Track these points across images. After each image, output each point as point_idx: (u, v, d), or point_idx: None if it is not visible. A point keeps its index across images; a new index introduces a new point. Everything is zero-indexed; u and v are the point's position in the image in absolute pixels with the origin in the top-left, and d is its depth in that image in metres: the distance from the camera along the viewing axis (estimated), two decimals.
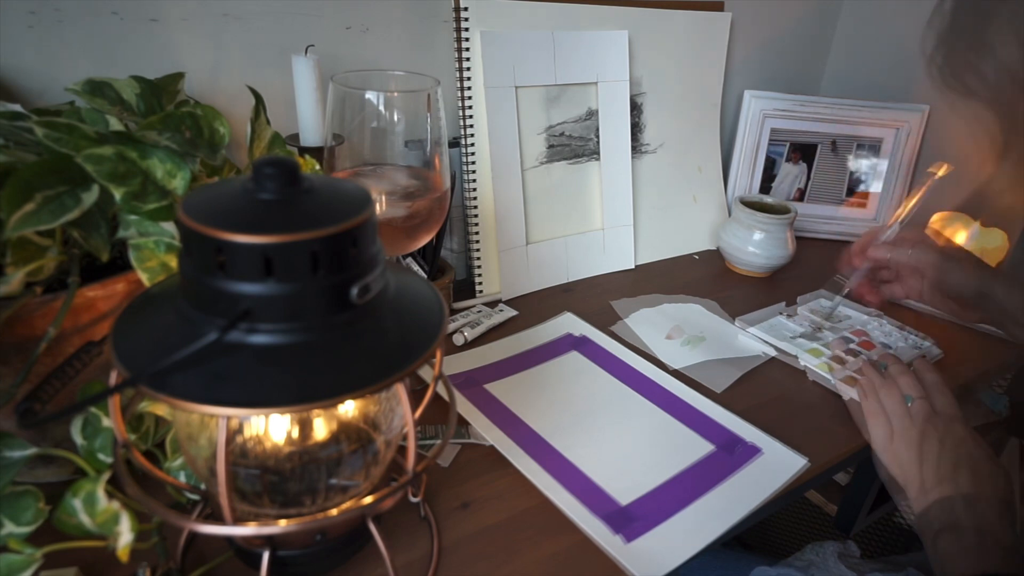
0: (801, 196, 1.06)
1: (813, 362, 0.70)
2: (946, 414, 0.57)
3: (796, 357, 0.72)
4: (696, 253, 0.99)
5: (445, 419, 0.58)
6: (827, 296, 0.84)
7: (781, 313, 0.80)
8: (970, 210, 0.93)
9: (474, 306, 0.78)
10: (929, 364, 0.64)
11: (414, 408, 0.35)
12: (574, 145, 0.86)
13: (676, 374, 0.68)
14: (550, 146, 0.83)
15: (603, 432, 0.59)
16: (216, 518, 0.40)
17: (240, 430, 0.38)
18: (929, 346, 0.75)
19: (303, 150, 0.65)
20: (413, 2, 0.75)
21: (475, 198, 0.78)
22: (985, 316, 0.70)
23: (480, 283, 0.80)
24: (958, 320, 0.80)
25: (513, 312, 0.77)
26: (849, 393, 0.65)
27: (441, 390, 0.56)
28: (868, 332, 0.77)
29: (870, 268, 0.74)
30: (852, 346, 0.73)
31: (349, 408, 0.39)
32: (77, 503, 0.36)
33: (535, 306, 0.80)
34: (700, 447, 0.58)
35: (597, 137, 0.87)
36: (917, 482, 0.54)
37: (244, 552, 0.40)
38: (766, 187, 1.06)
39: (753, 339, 0.75)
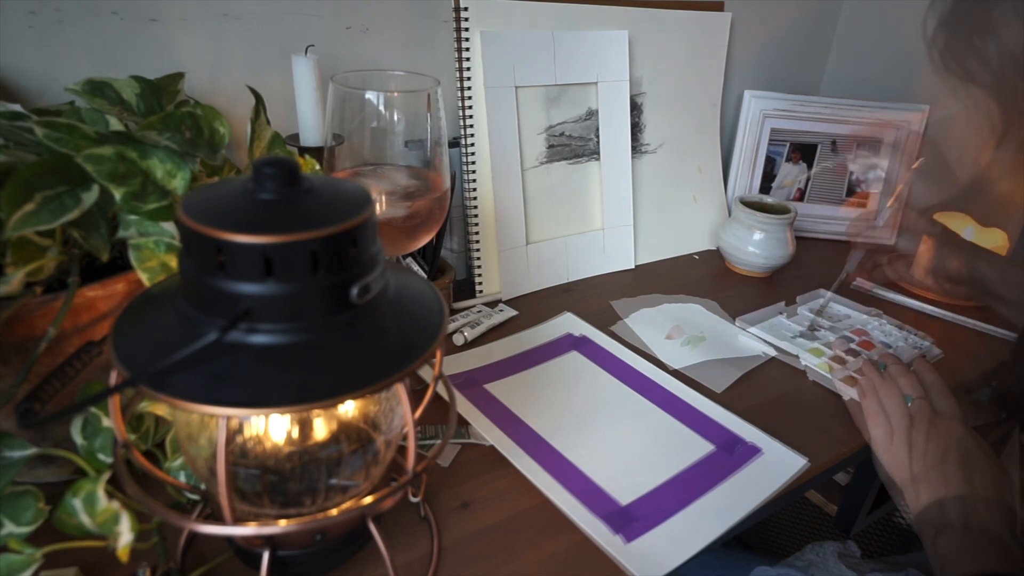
0: (801, 196, 1.06)
1: (813, 362, 0.70)
2: (945, 414, 0.57)
3: (797, 357, 0.72)
4: (696, 253, 0.99)
5: (445, 419, 0.58)
6: (824, 294, 0.85)
7: (781, 313, 0.80)
8: (967, 201, 0.93)
9: (474, 306, 0.78)
10: (929, 364, 0.64)
11: (414, 408, 0.35)
12: (574, 145, 0.86)
13: (676, 374, 0.68)
14: (550, 146, 0.83)
15: (603, 432, 0.59)
16: (216, 518, 0.40)
17: (240, 430, 0.38)
18: (929, 346, 0.75)
19: (303, 150, 0.65)
20: (413, 2, 0.75)
21: (475, 198, 0.78)
22: (974, 294, 0.72)
23: (480, 283, 0.80)
24: (950, 298, 0.81)
25: (513, 312, 0.77)
26: (849, 393, 0.65)
27: (441, 390, 0.56)
28: (868, 332, 0.77)
29: (865, 253, 0.75)
30: (852, 346, 0.73)
31: (349, 408, 0.39)
32: (77, 503, 0.36)
33: (535, 306, 0.80)
34: (700, 447, 0.58)
35: (597, 137, 0.87)
36: (911, 482, 0.54)
37: (244, 552, 0.40)
38: (766, 187, 1.06)
39: (753, 339, 0.75)
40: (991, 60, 0.41)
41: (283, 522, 0.33)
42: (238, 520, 0.32)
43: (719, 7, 0.97)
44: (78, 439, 0.40)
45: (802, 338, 0.74)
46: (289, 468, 0.37)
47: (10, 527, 0.36)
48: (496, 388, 0.64)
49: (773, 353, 0.73)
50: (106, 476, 0.36)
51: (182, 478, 0.43)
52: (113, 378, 0.32)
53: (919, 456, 0.54)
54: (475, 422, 0.58)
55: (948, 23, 0.44)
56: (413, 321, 0.34)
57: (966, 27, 0.43)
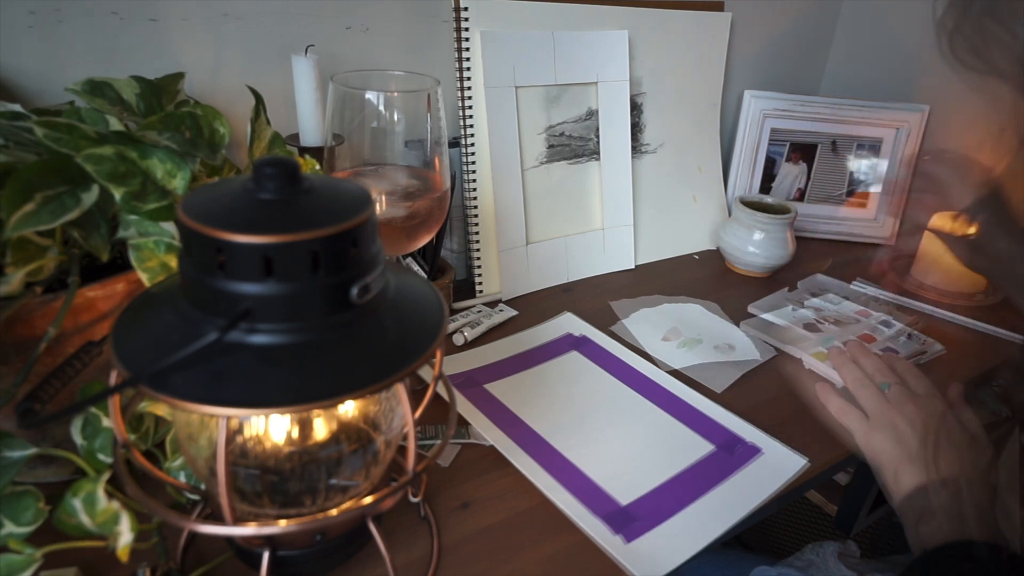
0: (801, 196, 1.06)
1: (815, 363, 0.70)
2: (924, 395, 0.56)
3: (799, 359, 0.72)
4: (696, 253, 0.99)
5: (445, 419, 0.58)
6: (825, 285, 0.86)
7: (787, 300, 0.82)
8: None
9: (474, 306, 0.78)
10: (897, 356, 0.64)
11: (414, 408, 0.35)
12: (574, 145, 0.85)
13: (676, 374, 0.68)
14: (550, 146, 0.83)
15: (603, 432, 0.59)
16: (216, 518, 0.40)
17: (240, 430, 0.37)
18: (932, 341, 0.75)
19: (303, 150, 0.65)
20: (413, 2, 0.75)
21: (475, 198, 0.78)
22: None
23: (480, 283, 0.80)
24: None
25: (513, 312, 0.77)
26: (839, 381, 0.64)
27: (441, 390, 0.56)
28: (868, 331, 0.77)
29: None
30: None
31: (349, 408, 0.39)
32: (77, 503, 0.36)
33: (535, 306, 0.80)
34: (700, 447, 0.58)
35: (597, 137, 0.87)
36: (893, 466, 0.52)
37: (244, 552, 0.40)
38: (766, 187, 1.06)
39: (753, 340, 0.75)
40: (1009, 47, 0.36)
41: (283, 522, 0.33)
42: (238, 520, 0.32)
43: (719, 7, 0.97)
44: (78, 439, 0.40)
45: (803, 340, 0.74)
46: (289, 468, 0.37)
47: (10, 527, 0.36)
48: (496, 388, 0.64)
49: (773, 353, 0.73)
50: (106, 476, 0.36)
51: (182, 478, 0.43)
52: (113, 378, 0.32)
53: (908, 451, 0.52)
54: (475, 422, 0.58)
55: (958, 5, 0.38)
56: (413, 321, 0.34)
57: (980, 10, 0.37)
